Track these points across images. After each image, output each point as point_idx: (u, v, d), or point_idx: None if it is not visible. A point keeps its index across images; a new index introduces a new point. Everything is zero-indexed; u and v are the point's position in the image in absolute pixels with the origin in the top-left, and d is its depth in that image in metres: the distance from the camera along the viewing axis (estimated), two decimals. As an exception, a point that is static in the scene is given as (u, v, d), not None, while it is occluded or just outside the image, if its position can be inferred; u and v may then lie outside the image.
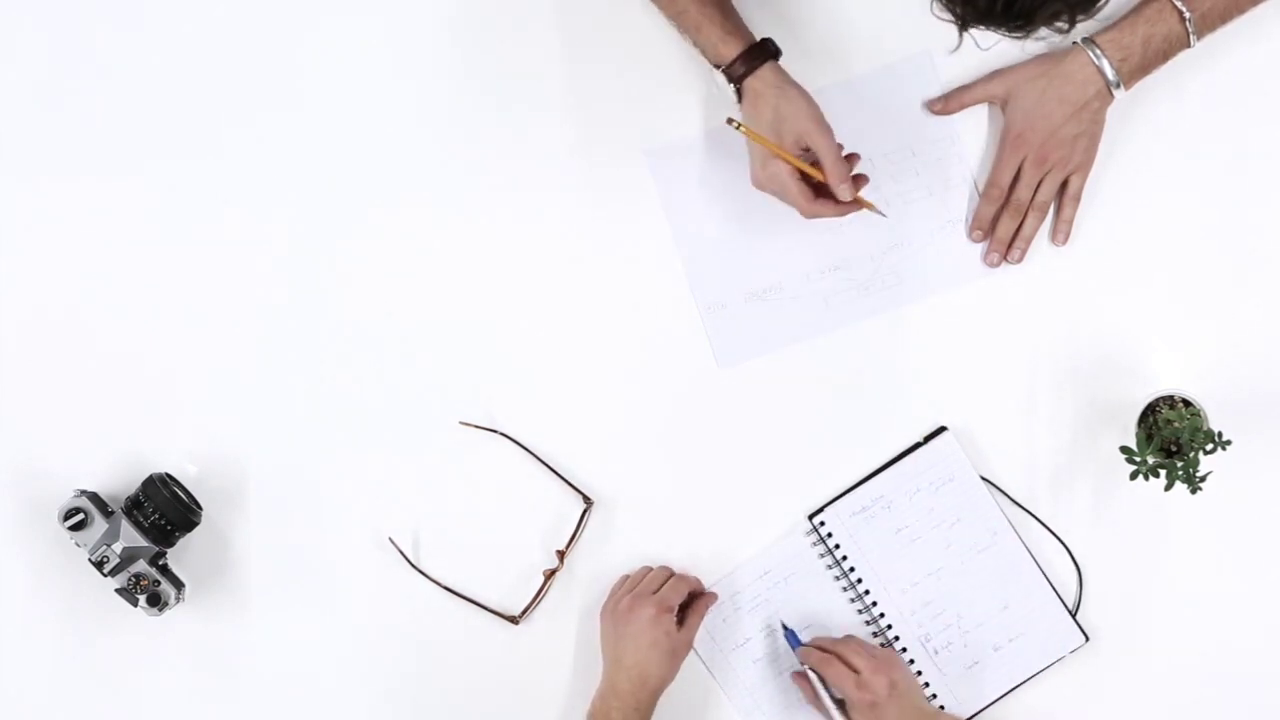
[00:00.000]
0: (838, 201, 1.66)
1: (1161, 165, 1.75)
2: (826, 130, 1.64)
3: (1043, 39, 1.35)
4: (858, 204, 1.66)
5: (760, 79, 1.65)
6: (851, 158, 1.67)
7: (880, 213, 1.70)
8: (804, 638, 1.74)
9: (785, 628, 1.74)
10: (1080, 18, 1.33)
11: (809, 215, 1.66)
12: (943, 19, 1.33)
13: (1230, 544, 1.74)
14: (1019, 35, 1.33)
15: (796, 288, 1.76)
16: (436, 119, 1.78)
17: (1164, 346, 1.75)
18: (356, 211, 1.77)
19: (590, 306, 1.77)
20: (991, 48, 1.42)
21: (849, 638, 1.72)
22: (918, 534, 1.75)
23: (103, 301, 1.77)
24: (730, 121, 1.66)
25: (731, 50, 1.65)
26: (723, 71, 1.66)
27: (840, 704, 1.68)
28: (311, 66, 1.78)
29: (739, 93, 1.67)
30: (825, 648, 1.70)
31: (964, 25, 1.33)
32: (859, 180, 1.67)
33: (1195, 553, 1.74)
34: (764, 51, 1.65)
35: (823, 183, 1.65)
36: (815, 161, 1.65)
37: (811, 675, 1.69)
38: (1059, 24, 1.32)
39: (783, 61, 1.69)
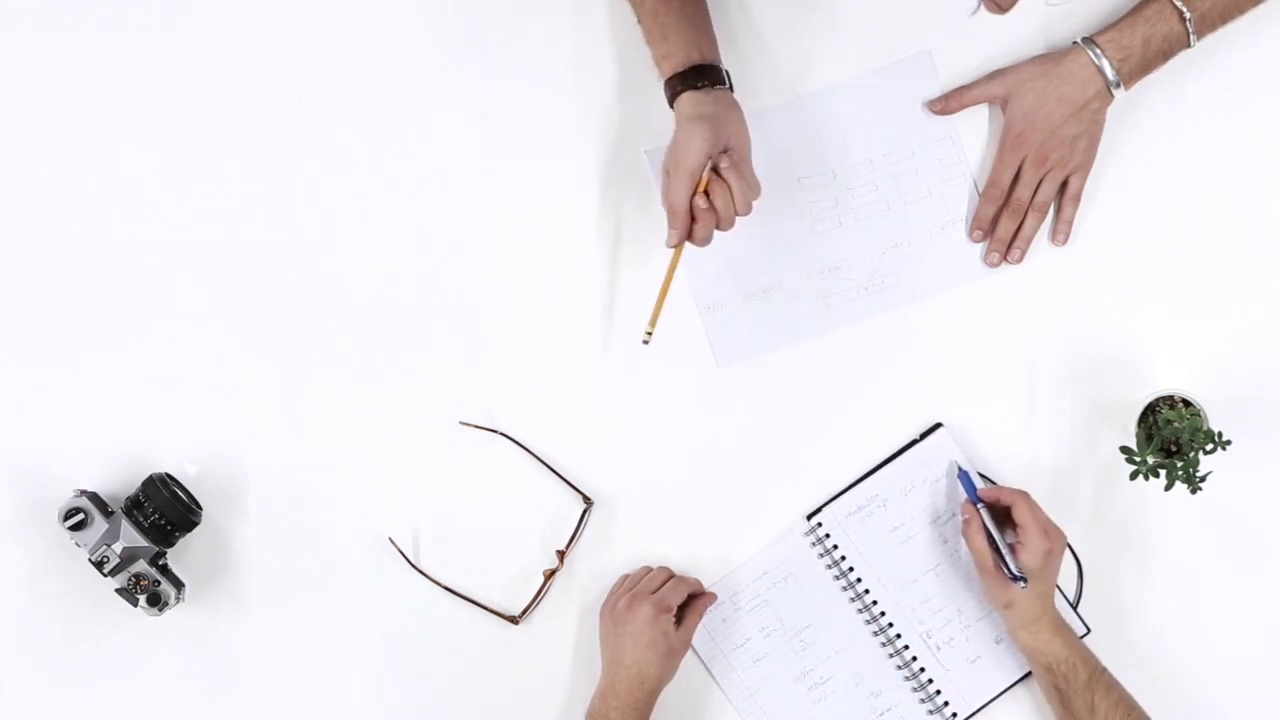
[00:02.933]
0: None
1: (1161, 165, 1.76)
2: (682, 181, 1.60)
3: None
4: (666, 279, 1.65)
5: (677, 109, 1.65)
6: (700, 215, 1.62)
7: (646, 333, 1.67)
8: (806, 637, 1.74)
9: (961, 470, 1.73)
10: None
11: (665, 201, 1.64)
12: None
13: (1230, 544, 1.74)
14: None
15: (796, 288, 1.76)
16: (437, 120, 1.78)
17: (1164, 346, 1.75)
18: (356, 211, 1.77)
19: (590, 306, 1.77)
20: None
21: (1022, 491, 1.70)
22: (913, 531, 1.75)
23: (103, 302, 1.77)
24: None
25: (663, 74, 1.66)
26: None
27: (1010, 548, 1.67)
28: (311, 65, 1.78)
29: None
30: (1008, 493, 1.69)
31: None
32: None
33: (1195, 552, 1.74)
34: (684, 81, 1.64)
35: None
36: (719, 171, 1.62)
37: (984, 513, 1.68)
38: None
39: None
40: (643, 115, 1.74)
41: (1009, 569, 1.66)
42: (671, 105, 1.66)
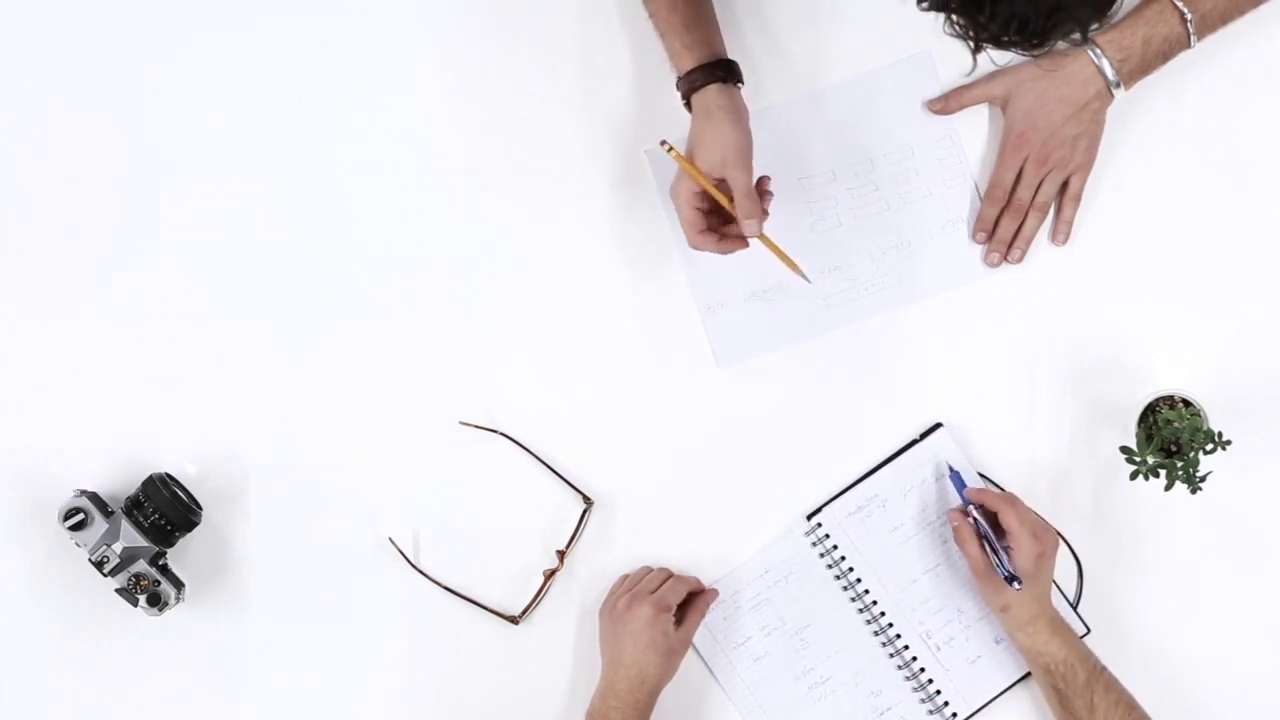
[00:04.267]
0: (723, 239, 1.64)
1: (1161, 165, 1.76)
2: (742, 166, 1.61)
3: (1059, 52, 1.35)
4: (777, 253, 1.65)
5: (701, 99, 1.64)
6: (764, 191, 1.65)
7: (805, 278, 1.69)
8: (806, 636, 1.74)
9: (951, 469, 1.73)
10: (1093, 29, 1.33)
11: (692, 246, 1.65)
12: (954, 38, 1.33)
13: (1230, 544, 1.74)
14: (1035, 54, 1.33)
15: (796, 288, 1.76)
16: (436, 121, 1.78)
17: (1164, 346, 1.75)
18: (356, 212, 1.77)
19: (590, 306, 1.77)
20: (1008, 65, 1.42)
21: (1010, 494, 1.71)
22: (913, 532, 1.75)
23: (103, 301, 1.77)
24: (663, 143, 1.65)
25: (685, 64, 1.65)
26: (676, 84, 1.67)
27: (1004, 550, 1.67)
28: (313, 66, 1.78)
29: (688, 107, 1.67)
30: (993, 498, 1.70)
31: (978, 46, 1.33)
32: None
33: (1195, 552, 1.74)
34: (713, 73, 1.64)
35: (728, 218, 1.65)
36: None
37: (975, 514, 1.68)
38: (1073, 38, 1.32)
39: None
40: (643, 116, 1.74)
41: (1003, 571, 1.66)
42: (688, 96, 1.64)
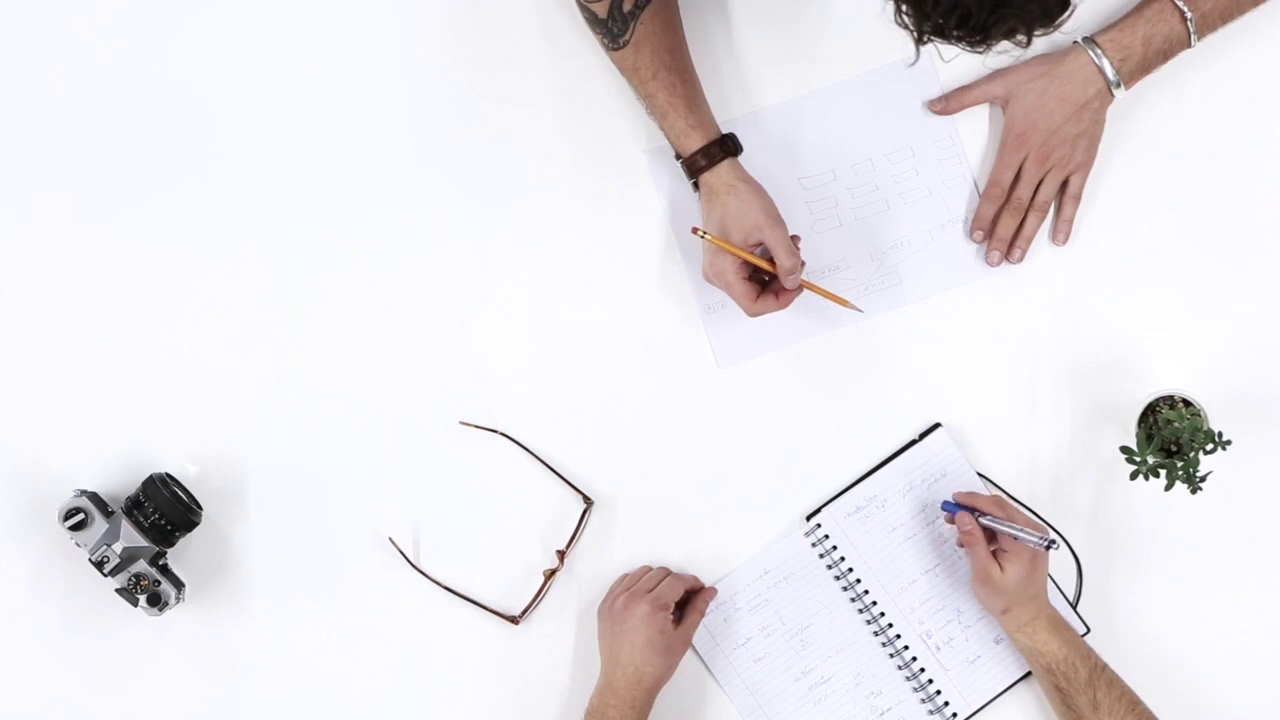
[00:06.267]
0: (779, 295, 1.67)
1: (1161, 165, 1.76)
2: (777, 224, 1.65)
3: (1004, 53, 1.34)
4: (822, 293, 1.68)
5: (716, 175, 1.66)
6: (794, 238, 1.68)
7: (857, 309, 1.71)
8: (806, 636, 1.74)
9: (945, 502, 1.71)
10: (1038, 33, 1.32)
11: (753, 314, 1.67)
12: (901, 28, 1.33)
13: (1230, 544, 1.74)
14: (978, 50, 1.33)
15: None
16: (435, 120, 1.78)
17: (1164, 346, 1.75)
18: (356, 211, 1.77)
19: (591, 306, 1.77)
20: (953, 60, 1.43)
21: (998, 496, 1.72)
22: (911, 532, 1.75)
23: (103, 302, 1.77)
24: (696, 230, 1.67)
25: (693, 144, 1.66)
26: (682, 164, 1.68)
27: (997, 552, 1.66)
28: (307, 65, 1.78)
29: (695, 185, 1.69)
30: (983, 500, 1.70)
31: (921, 38, 1.33)
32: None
33: (1195, 552, 1.74)
34: (723, 148, 1.66)
35: (769, 278, 1.67)
36: (769, 256, 1.66)
37: (981, 519, 1.67)
38: (1017, 39, 1.32)
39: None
40: (641, 117, 1.74)
41: (1034, 543, 1.63)
42: (699, 174, 1.67)
